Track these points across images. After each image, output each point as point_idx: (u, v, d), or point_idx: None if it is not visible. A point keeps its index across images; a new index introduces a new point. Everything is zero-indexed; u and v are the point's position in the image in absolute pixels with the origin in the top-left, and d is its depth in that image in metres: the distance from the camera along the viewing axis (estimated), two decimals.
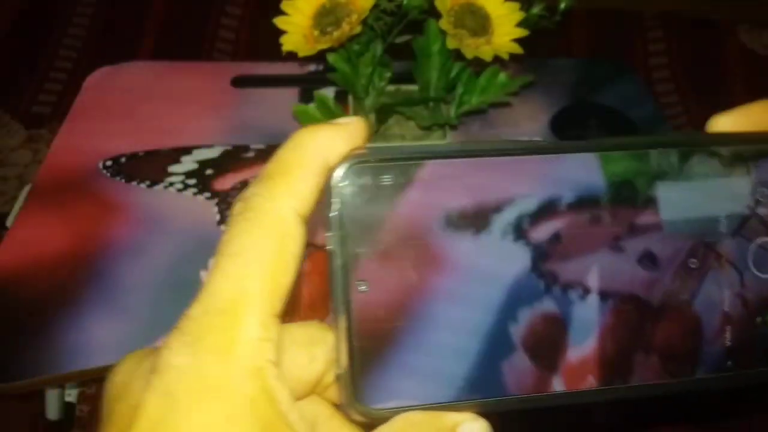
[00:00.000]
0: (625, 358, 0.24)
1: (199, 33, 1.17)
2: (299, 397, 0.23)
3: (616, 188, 0.23)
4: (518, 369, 0.23)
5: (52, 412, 0.74)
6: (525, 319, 0.23)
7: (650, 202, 0.24)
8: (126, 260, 0.55)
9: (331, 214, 0.22)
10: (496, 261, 0.23)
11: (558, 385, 0.23)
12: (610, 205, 0.23)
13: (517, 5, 0.52)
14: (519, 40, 0.51)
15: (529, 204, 0.23)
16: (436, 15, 0.51)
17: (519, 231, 0.23)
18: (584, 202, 0.23)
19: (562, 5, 0.53)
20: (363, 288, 0.22)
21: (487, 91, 0.57)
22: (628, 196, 0.24)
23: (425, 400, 0.22)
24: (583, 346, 0.23)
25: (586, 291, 0.23)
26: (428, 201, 0.22)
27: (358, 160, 0.22)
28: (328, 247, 0.22)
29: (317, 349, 0.23)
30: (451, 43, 0.50)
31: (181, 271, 0.55)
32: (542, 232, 0.23)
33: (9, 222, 0.59)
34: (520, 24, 0.52)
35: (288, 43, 0.50)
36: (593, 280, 0.23)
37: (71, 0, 1.19)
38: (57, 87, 1.09)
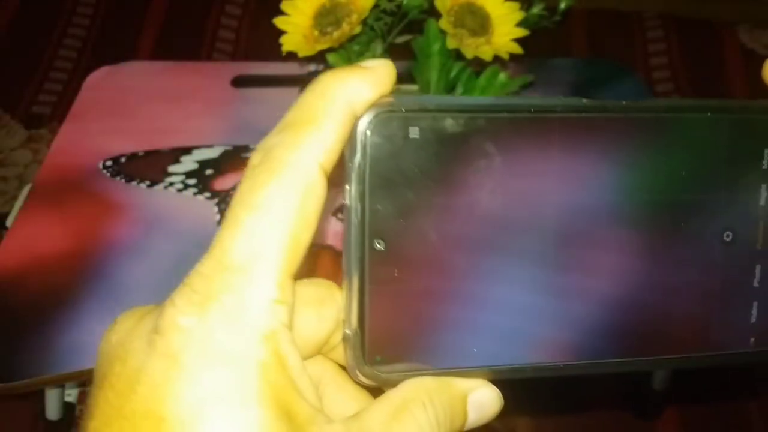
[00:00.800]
0: (644, 330, 0.23)
1: (199, 33, 1.17)
2: (305, 358, 0.22)
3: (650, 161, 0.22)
4: (533, 337, 0.22)
5: (52, 412, 0.74)
6: (545, 286, 0.22)
7: (683, 178, 0.23)
8: (126, 260, 0.55)
9: (352, 167, 0.20)
10: (522, 226, 0.22)
11: (572, 354, 0.22)
12: (640, 178, 0.22)
13: (516, 5, 0.52)
14: (519, 40, 0.51)
15: (558, 170, 0.22)
16: (436, 15, 0.51)
17: (546, 195, 0.22)
18: (614, 176, 0.22)
19: (562, 5, 0.53)
20: (379, 246, 0.21)
21: (487, 91, 0.57)
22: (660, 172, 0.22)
23: (436, 365, 0.21)
24: (601, 317, 0.23)
25: (606, 263, 0.22)
26: (456, 158, 0.21)
27: (385, 110, 0.20)
28: (345, 202, 0.21)
29: (325, 309, 0.22)
30: (451, 43, 0.50)
31: (181, 271, 0.54)
32: (569, 200, 0.22)
33: (9, 222, 0.59)
34: (520, 24, 0.52)
35: (288, 43, 0.50)
36: (614, 252, 0.22)
37: (71, 0, 1.19)
38: (57, 87, 1.09)
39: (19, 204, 0.60)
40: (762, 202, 0.23)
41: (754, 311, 0.23)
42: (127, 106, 0.68)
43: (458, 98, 0.20)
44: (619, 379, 0.72)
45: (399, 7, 0.51)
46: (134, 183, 0.61)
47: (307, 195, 0.19)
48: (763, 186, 0.23)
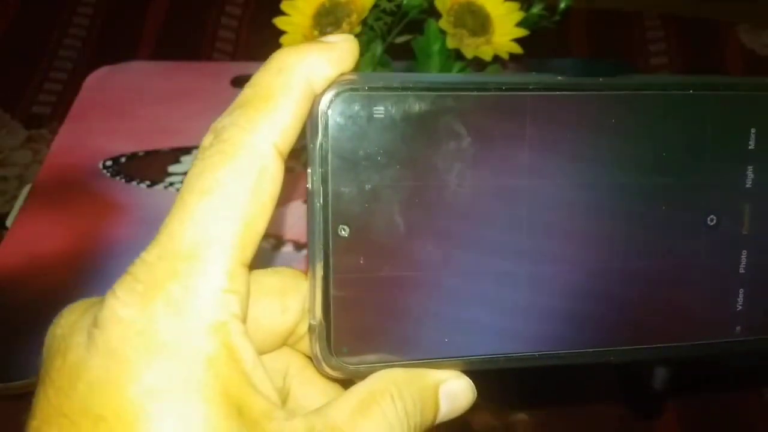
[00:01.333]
0: (623, 319, 0.22)
1: (199, 33, 1.17)
2: (269, 350, 0.22)
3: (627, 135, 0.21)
4: (508, 325, 0.21)
5: None
6: (520, 273, 0.21)
7: (668, 154, 0.21)
8: (126, 260, 0.55)
9: (313, 149, 0.19)
10: (495, 211, 0.20)
11: (548, 344, 0.21)
12: (616, 154, 0.21)
13: (516, 5, 0.52)
14: (519, 40, 0.51)
15: (532, 151, 0.20)
16: (436, 15, 0.51)
17: (520, 178, 0.21)
18: (591, 157, 0.21)
19: (562, 5, 0.53)
20: (344, 233, 0.20)
21: None
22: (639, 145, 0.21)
23: (406, 356, 0.20)
24: (578, 305, 0.21)
25: (583, 249, 0.21)
26: (424, 139, 0.20)
27: (347, 88, 0.19)
28: (307, 186, 0.20)
29: (290, 299, 0.21)
30: (451, 43, 0.50)
31: None
32: (543, 183, 0.21)
33: (9, 222, 0.59)
34: (520, 23, 0.52)
35: (288, 44, 0.50)
36: (592, 238, 0.21)
37: (71, 0, 1.19)
38: (57, 87, 1.09)
39: (19, 204, 0.60)
40: (748, 184, 0.22)
41: (740, 299, 0.22)
42: (127, 106, 0.68)
43: (425, 75, 0.19)
44: (618, 378, 0.72)
45: (399, 7, 0.51)
46: (134, 183, 0.61)
47: (262, 179, 0.18)
48: (750, 168, 0.22)
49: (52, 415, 0.17)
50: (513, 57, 0.51)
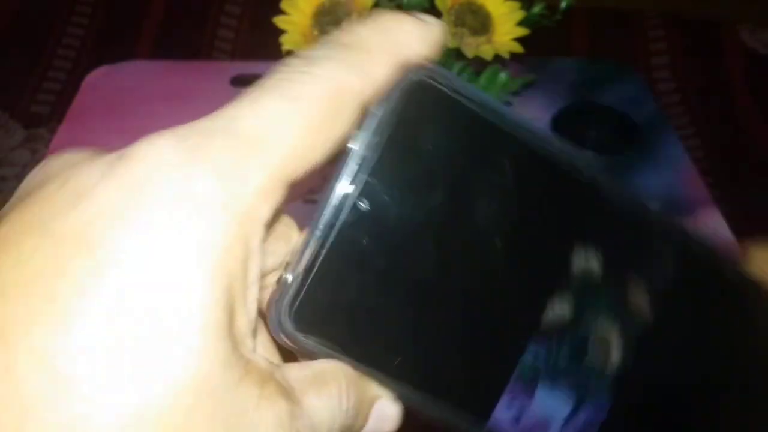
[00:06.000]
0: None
1: (199, 33, 1.17)
2: None
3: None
4: (474, 373, 0.20)
5: None
6: (502, 330, 0.20)
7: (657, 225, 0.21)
8: None
9: (375, 114, 0.18)
10: (511, 257, 0.20)
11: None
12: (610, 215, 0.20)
13: (517, 4, 0.52)
14: (520, 39, 0.51)
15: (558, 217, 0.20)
16: (437, 14, 0.51)
17: (544, 243, 0.20)
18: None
19: (563, 4, 0.53)
20: (363, 206, 0.18)
21: (487, 91, 0.56)
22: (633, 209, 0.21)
23: (359, 357, 0.19)
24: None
25: (593, 311, 0.20)
26: (472, 158, 0.19)
27: (430, 75, 0.18)
28: (348, 144, 0.18)
29: (277, 244, 0.19)
30: (451, 42, 0.50)
31: None
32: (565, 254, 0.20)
33: None
34: (521, 23, 0.52)
35: (288, 43, 0.50)
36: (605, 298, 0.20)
37: (70, 0, 1.19)
38: (56, 86, 1.09)
39: None
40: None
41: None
42: (126, 106, 0.68)
43: (503, 107, 0.18)
44: None
45: (399, 6, 0.51)
46: None
47: (337, 118, 0.17)
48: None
49: (35, 228, 0.15)
50: (514, 56, 0.51)
